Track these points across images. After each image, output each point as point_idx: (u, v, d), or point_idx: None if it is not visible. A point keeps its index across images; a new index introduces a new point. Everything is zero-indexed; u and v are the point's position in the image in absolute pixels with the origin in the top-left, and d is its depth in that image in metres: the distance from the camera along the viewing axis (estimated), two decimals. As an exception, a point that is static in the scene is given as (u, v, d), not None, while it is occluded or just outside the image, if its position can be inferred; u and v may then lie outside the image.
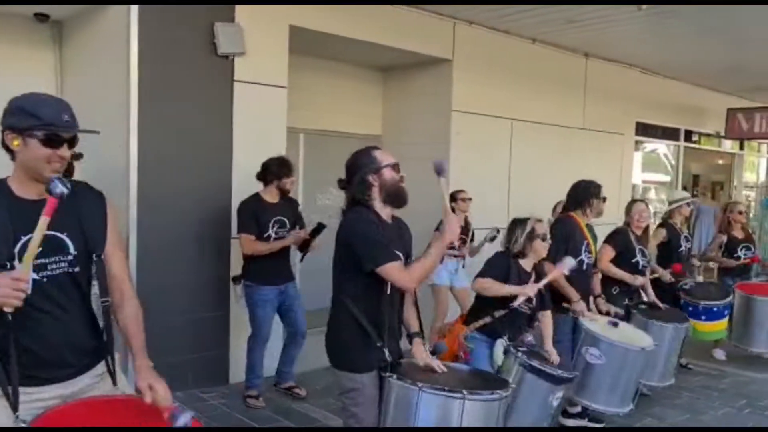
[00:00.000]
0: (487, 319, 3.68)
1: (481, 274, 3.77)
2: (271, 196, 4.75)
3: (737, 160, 12.15)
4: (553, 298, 4.33)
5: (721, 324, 6.06)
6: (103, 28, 5.01)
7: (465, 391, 2.66)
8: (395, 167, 2.80)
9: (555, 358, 3.74)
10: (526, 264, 3.83)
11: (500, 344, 3.60)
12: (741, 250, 6.67)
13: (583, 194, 4.50)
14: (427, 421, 2.65)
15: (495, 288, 3.65)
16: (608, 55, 8.14)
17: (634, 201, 5.47)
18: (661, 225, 6.29)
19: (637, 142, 9.39)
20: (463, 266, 6.20)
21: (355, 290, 2.73)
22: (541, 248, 3.80)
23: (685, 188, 13.80)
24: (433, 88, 6.86)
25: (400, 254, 2.80)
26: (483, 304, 3.75)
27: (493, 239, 6.02)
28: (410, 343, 2.99)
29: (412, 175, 7.66)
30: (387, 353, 2.72)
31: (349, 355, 2.77)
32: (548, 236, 3.86)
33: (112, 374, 2.19)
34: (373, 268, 2.63)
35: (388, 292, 2.76)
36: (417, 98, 7.03)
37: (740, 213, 6.83)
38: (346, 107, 7.06)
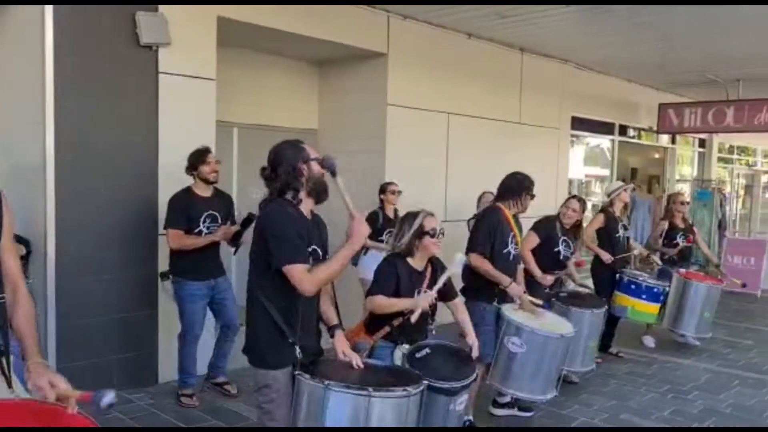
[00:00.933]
0: (387, 329, 3.45)
1: (372, 291, 3.49)
2: (202, 189, 4.65)
3: (670, 154, 12.53)
4: (482, 286, 4.37)
5: (655, 307, 6.23)
6: (16, 19, 4.80)
7: (371, 389, 2.63)
8: (321, 162, 2.78)
9: (475, 351, 3.64)
10: (417, 263, 3.51)
11: (399, 352, 3.39)
12: (679, 237, 6.92)
13: (517, 187, 4.52)
14: (336, 418, 2.63)
15: (388, 305, 3.39)
16: (543, 50, 8.27)
17: (573, 197, 5.58)
18: (600, 212, 6.49)
19: (572, 136, 9.58)
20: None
21: (270, 285, 2.68)
22: (432, 245, 3.47)
23: (623, 181, 14.26)
24: (369, 82, 6.84)
25: (318, 249, 2.77)
26: (378, 317, 3.48)
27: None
28: (331, 336, 2.97)
29: (348, 169, 7.66)
30: (298, 350, 2.68)
31: (263, 351, 2.74)
32: (439, 232, 3.51)
33: (7, 377, 2.08)
34: (279, 267, 2.61)
35: None
36: (352, 92, 7.00)
37: (682, 203, 7.11)
38: (281, 101, 6.97)
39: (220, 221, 4.67)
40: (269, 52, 6.73)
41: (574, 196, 5.63)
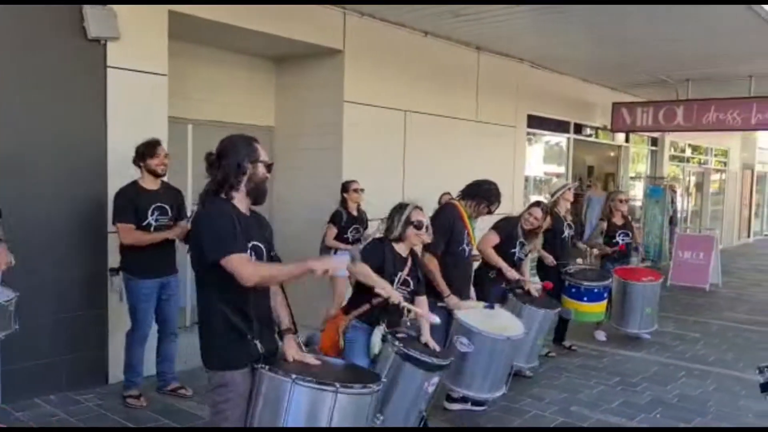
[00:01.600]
0: (366, 307, 3.66)
1: (360, 259, 3.72)
2: (149, 182, 4.58)
3: (624, 152, 12.82)
4: (429, 289, 4.41)
5: (601, 306, 6.40)
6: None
7: (338, 384, 2.63)
8: (269, 167, 2.78)
9: (432, 344, 3.78)
10: (402, 249, 3.83)
11: (378, 332, 3.59)
12: (619, 236, 7.07)
13: (484, 194, 4.59)
14: (297, 414, 2.60)
15: (367, 273, 3.56)
16: (499, 49, 8.37)
17: (537, 204, 5.62)
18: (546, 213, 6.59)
19: (529, 135, 9.71)
20: (357, 256, 6.24)
21: (218, 282, 2.63)
22: (413, 236, 3.81)
23: (580, 179, 14.54)
24: (325, 79, 6.83)
25: (261, 246, 2.75)
26: (361, 292, 3.73)
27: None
28: (281, 339, 2.94)
29: (306, 166, 7.64)
30: (259, 346, 2.66)
31: (219, 351, 2.69)
32: (424, 225, 3.83)
33: None
34: (216, 260, 2.56)
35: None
36: (309, 89, 6.98)
37: (621, 201, 7.24)
38: (237, 97, 6.91)
39: (169, 214, 4.60)
40: (225, 48, 6.65)
41: (538, 204, 5.63)
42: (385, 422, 3.54)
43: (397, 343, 3.55)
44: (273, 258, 2.86)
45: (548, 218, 6.37)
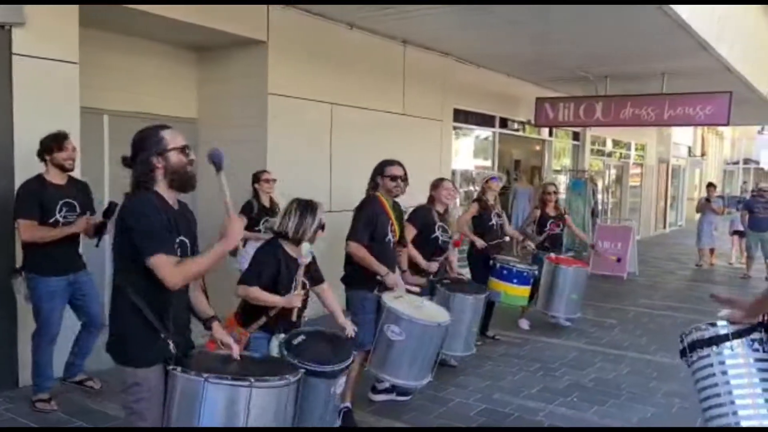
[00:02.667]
0: (263, 319, 3.55)
1: (247, 279, 3.57)
2: (56, 176, 4.36)
3: (548, 146, 13.19)
4: (362, 275, 4.41)
5: (526, 290, 6.56)
6: None
7: (252, 379, 2.59)
8: (184, 150, 2.66)
9: (349, 330, 3.76)
10: (295, 250, 3.65)
11: (275, 341, 3.49)
12: (550, 225, 7.31)
13: (374, 174, 4.59)
14: (213, 412, 2.55)
15: (262, 299, 3.50)
16: (425, 43, 8.45)
17: (441, 179, 5.67)
18: (475, 201, 6.73)
19: (455, 128, 9.85)
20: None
21: (136, 278, 2.56)
22: (317, 237, 3.74)
23: (508, 172, 14.89)
24: (249, 70, 6.71)
25: (186, 241, 2.68)
26: (254, 305, 3.57)
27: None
28: (208, 328, 2.89)
29: (230, 159, 7.47)
30: (172, 345, 2.59)
31: (132, 348, 2.60)
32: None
33: None
34: (144, 260, 2.49)
35: None
36: (232, 80, 6.84)
37: (549, 193, 7.50)
38: (156, 88, 6.70)
39: (78, 210, 4.41)
40: (142, 37, 6.43)
41: (441, 179, 5.67)
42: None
43: (292, 358, 3.29)
44: (195, 253, 2.79)
45: (476, 206, 6.56)
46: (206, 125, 7.08)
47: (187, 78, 7.04)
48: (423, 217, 5.37)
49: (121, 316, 2.62)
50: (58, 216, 4.32)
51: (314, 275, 3.86)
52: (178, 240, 2.62)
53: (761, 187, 11.75)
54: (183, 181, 2.66)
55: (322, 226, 3.73)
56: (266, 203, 6.25)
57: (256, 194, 6.25)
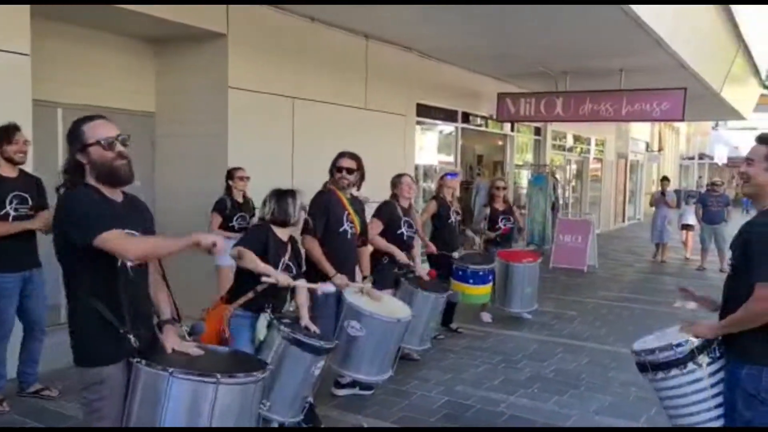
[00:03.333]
0: (250, 295, 3.62)
1: (240, 243, 3.74)
2: (6, 169, 4.26)
3: (510, 141, 13.33)
4: (317, 272, 4.40)
5: (486, 288, 6.64)
6: None
7: (219, 375, 2.54)
8: (104, 143, 2.50)
9: (313, 327, 3.78)
10: (283, 234, 3.85)
11: (264, 318, 3.60)
12: (501, 221, 7.36)
13: (330, 167, 4.60)
14: (177, 409, 2.49)
15: (250, 259, 3.58)
16: (387, 37, 8.43)
17: (400, 175, 5.68)
18: (432, 199, 6.74)
19: (418, 123, 9.87)
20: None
21: (85, 275, 2.48)
22: (302, 219, 3.96)
23: (470, 167, 15.00)
24: (208, 63, 6.60)
25: (136, 233, 2.57)
26: (244, 281, 3.68)
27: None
28: (160, 331, 2.80)
29: (190, 153, 7.36)
30: (133, 339, 2.51)
31: (90, 347, 2.52)
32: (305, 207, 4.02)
33: None
34: (87, 242, 2.37)
35: (130, 274, 2.56)
36: (192, 74, 6.72)
37: (497, 188, 7.55)
38: (113, 81, 6.53)
39: (30, 203, 4.30)
40: (97, 28, 6.26)
41: (401, 174, 5.69)
42: (270, 408, 3.51)
43: (283, 327, 3.56)
44: None
45: (434, 204, 6.57)
46: (165, 119, 6.94)
47: (144, 71, 6.89)
48: (389, 213, 5.39)
49: (77, 317, 2.54)
50: (8, 209, 4.21)
51: (300, 265, 3.97)
52: (125, 231, 2.52)
53: (714, 182, 12.08)
54: (111, 175, 2.53)
55: (303, 208, 3.94)
56: (239, 200, 6.20)
57: (229, 191, 6.22)
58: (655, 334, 3.20)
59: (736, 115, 18.53)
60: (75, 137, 2.52)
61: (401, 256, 5.28)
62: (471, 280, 6.46)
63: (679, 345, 2.81)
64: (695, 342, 2.80)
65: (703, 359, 2.79)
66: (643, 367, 2.97)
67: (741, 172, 2.82)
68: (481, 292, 6.62)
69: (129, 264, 2.55)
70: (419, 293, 5.25)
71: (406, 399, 4.87)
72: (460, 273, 6.44)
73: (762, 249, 2.64)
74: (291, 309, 3.90)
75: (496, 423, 4.47)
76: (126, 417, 2.54)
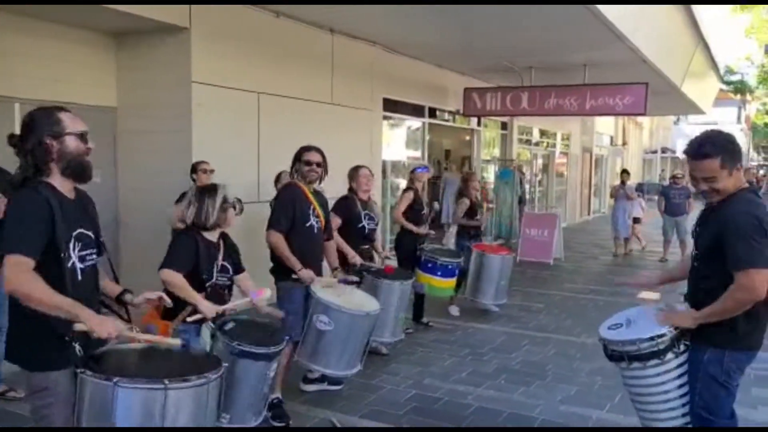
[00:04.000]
0: (189, 308, 3.42)
1: (168, 263, 3.47)
2: None
3: (477, 136, 13.42)
4: (283, 268, 4.37)
5: (451, 282, 6.69)
6: None
7: (167, 381, 2.46)
8: (83, 137, 2.50)
9: (276, 313, 3.69)
10: (212, 236, 3.64)
11: (206, 330, 3.41)
12: (478, 213, 7.45)
13: (293, 160, 4.55)
14: (126, 417, 2.42)
15: (181, 288, 3.39)
16: (353, 32, 8.40)
17: (357, 167, 5.67)
18: (407, 190, 6.76)
19: (386, 118, 9.88)
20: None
21: None
22: (231, 217, 3.69)
23: (438, 162, 15.07)
24: (172, 57, 6.50)
25: (89, 233, 2.54)
26: (179, 299, 3.41)
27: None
28: (122, 303, 2.78)
29: (153, 149, 7.25)
30: (78, 347, 2.45)
31: (36, 352, 2.45)
32: (237, 204, 3.81)
33: None
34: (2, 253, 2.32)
35: (79, 277, 2.49)
36: (155, 68, 6.60)
37: (473, 181, 7.63)
38: (72, 75, 6.38)
39: None
40: (56, 21, 6.12)
41: (358, 167, 5.67)
42: (231, 420, 3.41)
43: (227, 340, 3.34)
44: (99, 245, 2.67)
45: (411, 195, 6.61)
46: (127, 114, 6.82)
47: (105, 65, 6.75)
48: (347, 207, 5.39)
49: (21, 317, 2.44)
50: None
51: (236, 262, 3.83)
52: (76, 232, 2.48)
53: (675, 175, 12.33)
54: (78, 169, 2.49)
55: (236, 207, 3.69)
56: None
57: (194, 185, 6.13)
58: (614, 316, 3.25)
59: (697, 110, 18.94)
60: (49, 123, 2.43)
61: (353, 257, 5.23)
62: (439, 273, 6.50)
63: (660, 336, 2.85)
64: (674, 332, 2.86)
65: (680, 346, 2.87)
66: (619, 358, 2.99)
67: (711, 190, 2.80)
68: (447, 285, 6.67)
69: (79, 266, 2.50)
70: (383, 283, 5.25)
71: (374, 393, 4.88)
72: (429, 265, 6.46)
73: (739, 237, 2.68)
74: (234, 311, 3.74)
75: (464, 414, 4.51)
76: (77, 424, 2.46)
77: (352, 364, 4.48)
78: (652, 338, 2.86)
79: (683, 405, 2.92)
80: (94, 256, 2.61)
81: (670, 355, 2.85)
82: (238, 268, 3.83)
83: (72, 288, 2.43)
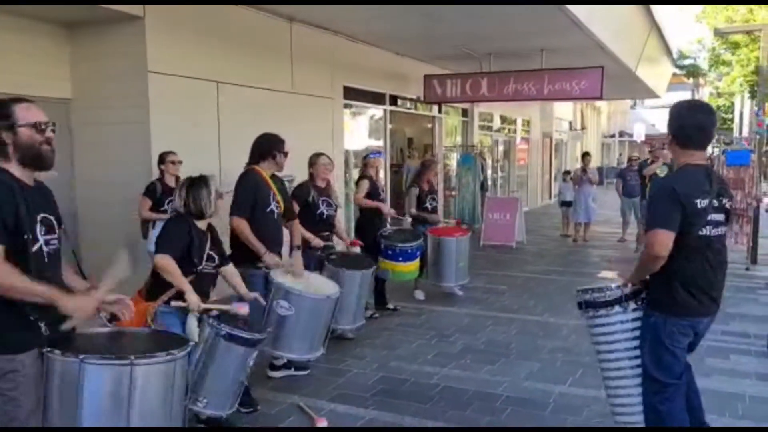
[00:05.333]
0: (173, 291, 3.55)
1: (163, 249, 3.59)
2: None
3: (438, 123, 13.50)
4: (247, 252, 4.38)
5: (414, 264, 6.76)
6: None
7: (133, 357, 2.52)
8: (38, 126, 2.52)
9: (244, 310, 3.74)
10: (202, 224, 3.80)
11: (192, 319, 3.49)
12: (428, 200, 7.49)
13: (269, 148, 4.57)
14: (95, 393, 2.48)
15: (174, 276, 3.52)
16: (311, 20, 8.36)
17: (317, 155, 5.70)
18: (363, 178, 6.79)
19: (347, 107, 9.87)
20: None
21: None
22: (220, 207, 3.85)
23: (402, 150, 15.11)
24: (126, 47, 6.37)
25: (51, 217, 2.55)
26: (162, 279, 3.57)
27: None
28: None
29: (111, 141, 7.13)
30: (44, 327, 2.46)
31: (2, 334, 2.43)
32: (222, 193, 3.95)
33: None
34: None
35: (45, 259, 2.50)
36: (109, 58, 6.47)
37: (427, 167, 7.67)
38: (24, 67, 6.20)
39: None
40: (6, 13, 5.94)
41: (318, 154, 5.72)
42: (207, 404, 3.49)
43: (215, 324, 3.49)
44: (64, 233, 2.68)
45: (367, 182, 6.64)
46: (82, 106, 6.68)
47: (58, 56, 6.58)
48: (305, 194, 5.45)
49: None
50: None
51: (221, 253, 3.94)
52: (40, 217, 2.51)
53: (631, 157, 12.61)
54: (36, 158, 2.53)
55: (220, 195, 3.84)
56: (172, 184, 6.09)
57: (162, 175, 6.14)
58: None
59: (652, 94, 19.38)
60: (3, 115, 2.46)
61: (316, 240, 5.30)
62: (401, 258, 6.56)
63: (609, 289, 3.18)
64: (626, 289, 3.14)
65: (631, 305, 3.15)
66: (580, 305, 3.29)
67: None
68: (411, 268, 6.73)
69: (45, 249, 2.52)
70: (344, 273, 5.29)
71: (341, 377, 4.92)
72: (390, 252, 6.52)
73: (650, 202, 3.09)
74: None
75: (430, 394, 4.58)
76: (45, 406, 2.51)
77: (314, 348, 4.53)
78: (601, 289, 3.21)
79: (632, 366, 3.18)
80: (56, 242, 2.62)
81: (617, 308, 3.15)
82: (224, 260, 3.94)
83: (37, 271, 2.44)
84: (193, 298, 3.50)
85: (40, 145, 2.52)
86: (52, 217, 2.58)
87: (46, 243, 2.53)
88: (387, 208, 6.46)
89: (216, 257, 3.81)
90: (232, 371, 3.58)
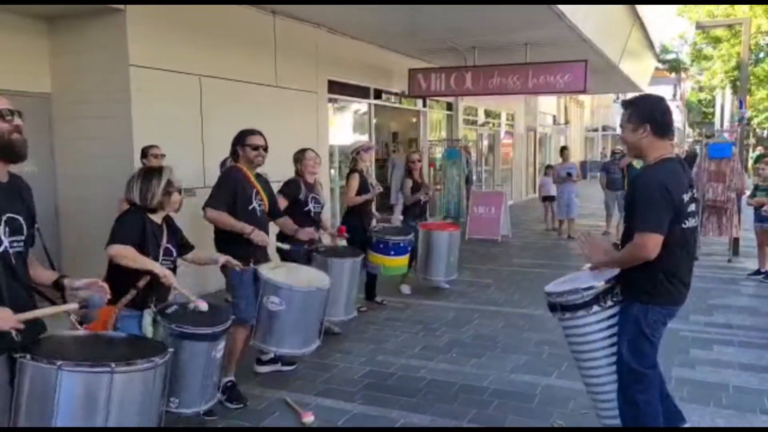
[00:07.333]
0: (133, 292, 3.33)
1: (116, 239, 3.36)
2: None
3: (423, 117, 13.49)
4: (235, 249, 4.31)
5: (404, 259, 6.74)
6: None
7: (113, 364, 2.42)
8: (2, 115, 2.40)
9: (203, 306, 3.63)
10: (157, 217, 3.58)
11: (147, 316, 3.35)
12: (420, 193, 7.50)
13: (234, 143, 4.50)
14: (70, 402, 2.37)
15: (134, 259, 3.30)
16: (295, 13, 8.30)
17: (303, 150, 5.65)
18: (353, 172, 6.74)
19: (331, 101, 9.82)
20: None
21: None
22: (176, 201, 3.66)
23: (386, 145, 15.08)
24: (107, 40, 6.31)
25: (18, 217, 2.45)
26: (120, 279, 3.31)
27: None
28: (60, 288, 2.69)
29: (93, 136, 7.05)
30: (14, 332, 2.35)
31: None
32: (182, 188, 3.79)
33: None
34: None
35: (12, 261, 2.42)
36: (90, 52, 6.40)
37: (413, 161, 7.68)
38: (3, 62, 6.12)
39: None
40: (-19, 5, 5.86)
41: (304, 150, 5.65)
42: (180, 404, 3.37)
43: (168, 324, 3.30)
44: (37, 231, 2.59)
45: (357, 176, 6.59)
46: (62, 100, 6.60)
47: (37, 50, 6.50)
48: (293, 190, 5.38)
49: None
50: None
51: (184, 243, 3.81)
52: (4, 217, 2.39)
53: (614, 150, 12.68)
54: (5, 149, 2.41)
55: (180, 191, 3.67)
56: None
57: None
58: (567, 276, 3.46)
59: (635, 88, 19.47)
60: None
61: (304, 233, 5.22)
62: (392, 252, 6.53)
63: (587, 289, 3.08)
64: (600, 287, 3.07)
65: (608, 302, 3.10)
66: (553, 308, 3.22)
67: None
68: (401, 263, 6.71)
69: (11, 250, 2.42)
70: (333, 262, 5.27)
71: (328, 372, 4.90)
72: (381, 246, 6.49)
73: (642, 200, 2.97)
74: (176, 295, 3.67)
75: (417, 387, 4.58)
76: (14, 413, 2.40)
77: (309, 341, 4.47)
78: (578, 290, 3.08)
79: (609, 363, 3.15)
80: (22, 244, 2.50)
81: (596, 308, 3.08)
82: (186, 248, 3.80)
83: (2, 273, 2.37)
84: (160, 268, 3.33)
85: (10, 134, 2.41)
86: (20, 218, 2.47)
87: (11, 244, 2.43)
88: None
89: (174, 250, 3.63)
90: (198, 367, 3.38)
